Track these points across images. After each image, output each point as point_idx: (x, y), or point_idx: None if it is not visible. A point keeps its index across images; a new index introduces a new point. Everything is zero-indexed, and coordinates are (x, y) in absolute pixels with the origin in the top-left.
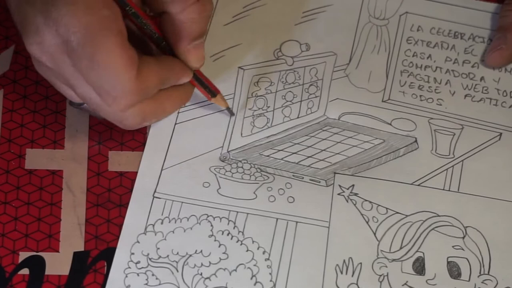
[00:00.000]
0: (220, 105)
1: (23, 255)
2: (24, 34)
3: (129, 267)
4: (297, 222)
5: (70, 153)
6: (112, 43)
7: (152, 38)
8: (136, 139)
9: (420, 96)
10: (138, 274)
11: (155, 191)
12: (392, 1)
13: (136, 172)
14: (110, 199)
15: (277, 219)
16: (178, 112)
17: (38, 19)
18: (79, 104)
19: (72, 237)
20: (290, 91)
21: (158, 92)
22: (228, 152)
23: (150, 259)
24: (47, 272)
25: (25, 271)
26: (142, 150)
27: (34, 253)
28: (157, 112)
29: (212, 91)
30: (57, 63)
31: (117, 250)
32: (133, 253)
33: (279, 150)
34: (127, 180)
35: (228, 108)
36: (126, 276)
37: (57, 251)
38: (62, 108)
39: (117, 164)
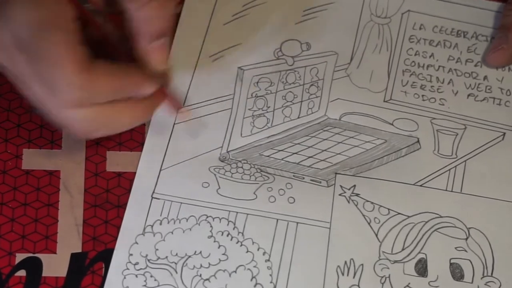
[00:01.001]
0: (183, 118)
1: (19, 257)
2: None
3: (127, 269)
4: (297, 223)
5: (68, 153)
6: (59, 37)
7: (117, 40)
8: (134, 139)
9: (422, 96)
10: (136, 276)
11: (153, 192)
12: None
13: (135, 173)
14: (108, 199)
15: (277, 219)
16: (177, 112)
17: None
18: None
19: (69, 238)
20: (290, 91)
21: (114, 102)
22: (227, 152)
23: (148, 260)
24: (44, 273)
25: (21, 272)
26: (141, 150)
27: (31, 255)
28: (111, 124)
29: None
30: (12, 61)
31: (115, 251)
32: (131, 254)
33: (280, 150)
34: (125, 180)
35: (190, 130)
36: (124, 278)
37: (54, 252)
38: None
39: (115, 165)
